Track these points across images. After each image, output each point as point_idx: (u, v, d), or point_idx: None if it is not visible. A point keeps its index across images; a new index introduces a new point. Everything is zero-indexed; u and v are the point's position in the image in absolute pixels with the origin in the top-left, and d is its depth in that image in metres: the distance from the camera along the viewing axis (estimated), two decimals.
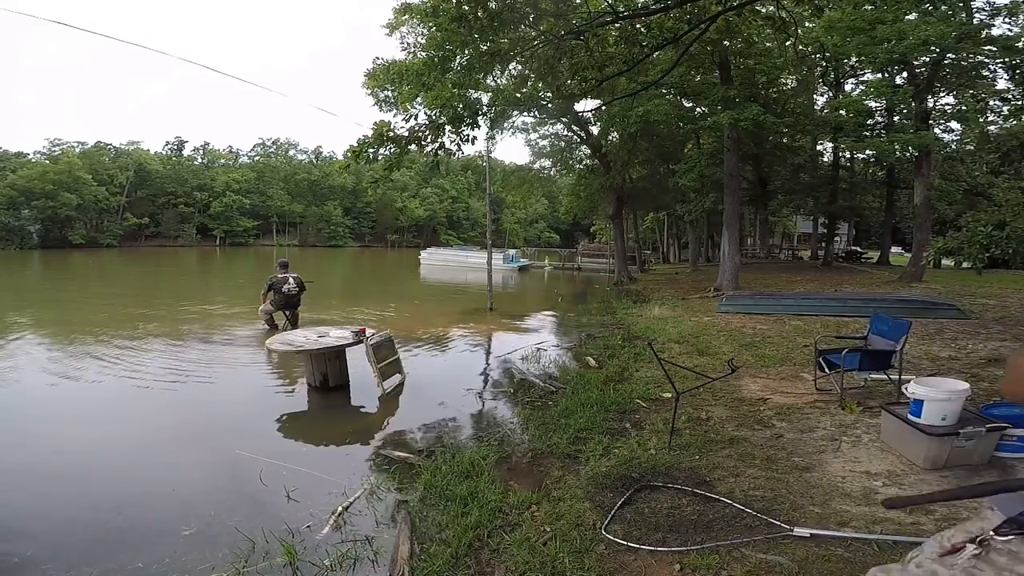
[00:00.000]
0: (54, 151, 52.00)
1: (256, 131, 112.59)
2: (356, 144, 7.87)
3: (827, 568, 2.50)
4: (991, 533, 0.92)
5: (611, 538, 2.89)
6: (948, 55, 16.18)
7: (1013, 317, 9.79)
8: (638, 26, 7.81)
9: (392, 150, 7.95)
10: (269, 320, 9.50)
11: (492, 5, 7.05)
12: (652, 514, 3.12)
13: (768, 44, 16.38)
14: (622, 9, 7.56)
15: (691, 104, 17.81)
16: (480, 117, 8.32)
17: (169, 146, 62.99)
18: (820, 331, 7.86)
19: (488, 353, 8.65)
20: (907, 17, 14.52)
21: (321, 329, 6.80)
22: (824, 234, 28.24)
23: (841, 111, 20.03)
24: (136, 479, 3.95)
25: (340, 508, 3.44)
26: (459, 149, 8.11)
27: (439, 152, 8.00)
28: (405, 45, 14.05)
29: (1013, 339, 7.70)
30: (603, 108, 16.40)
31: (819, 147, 25.55)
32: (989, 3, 15.63)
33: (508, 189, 29.46)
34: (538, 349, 8.32)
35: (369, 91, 17.23)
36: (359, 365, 6.25)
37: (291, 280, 9.34)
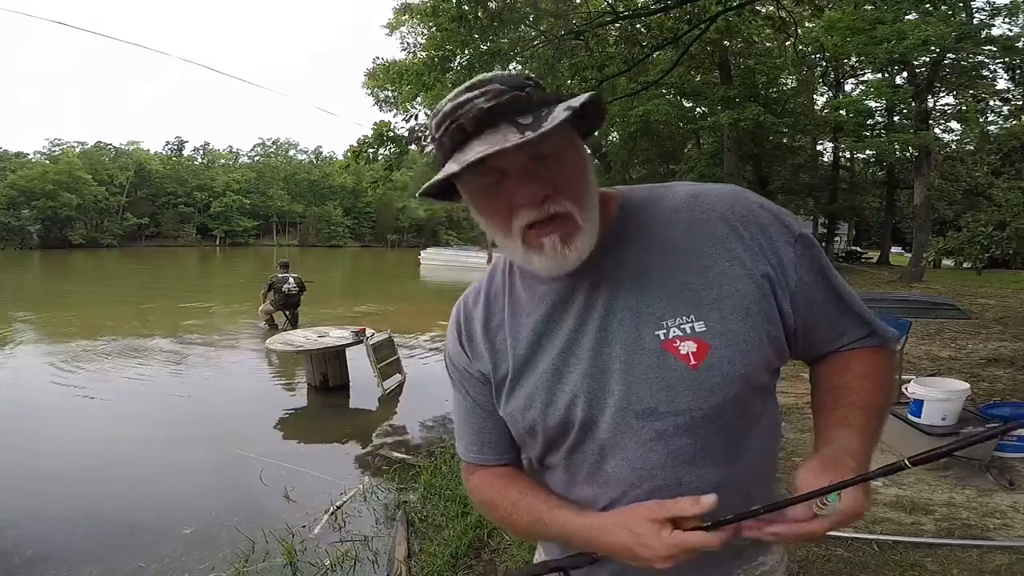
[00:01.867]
0: (54, 151, 51.94)
1: (256, 131, 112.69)
2: (356, 144, 7.87)
3: (827, 568, 2.50)
4: None
5: None
6: (948, 55, 16.19)
7: (1013, 317, 9.79)
8: (638, 26, 7.82)
9: (392, 150, 7.95)
10: (269, 320, 9.51)
11: (492, 5, 7.05)
12: None
13: (768, 44, 16.39)
14: (622, 9, 7.56)
15: (691, 104, 17.81)
16: None
17: (169, 146, 62.92)
18: None
19: None
20: (907, 17, 14.53)
21: (321, 329, 6.80)
22: (824, 234, 28.24)
23: (841, 111, 20.05)
24: (136, 479, 3.95)
25: (333, 507, 3.44)
26: None
27: None
28: (405, 45, 14.09)
29: (1013, 339, 7.70)
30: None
31: (819, 147, 25.60)
32: (989, 3, 15.66)
33: None
34: None
35: (369, 91, 17.28)
36: (359, 365, 6.25)
37: (291, 280, 9.35)
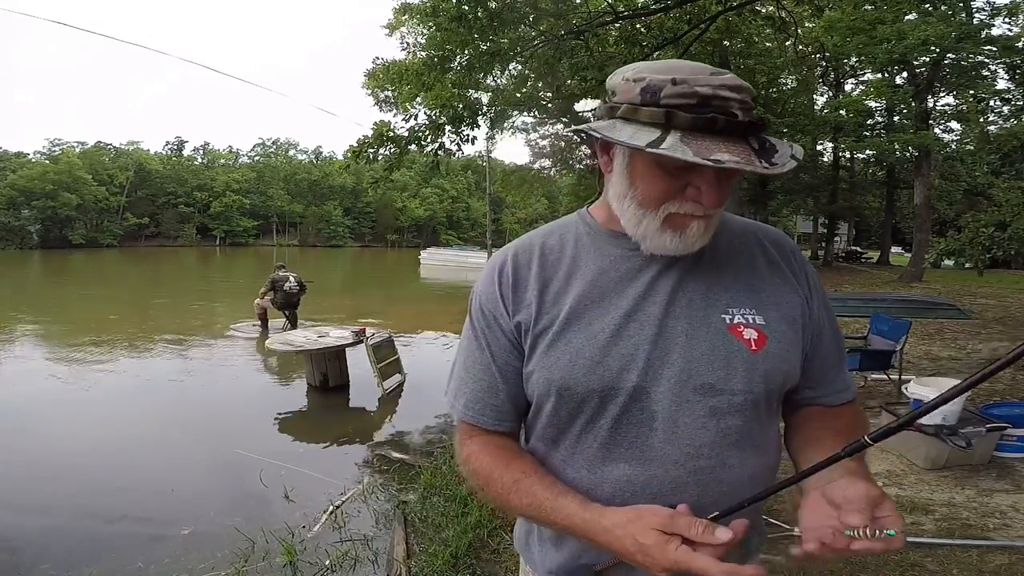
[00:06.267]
0: (54, 151, 51.91)
1: (256, 131, 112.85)
2: (356, 144, 7.87)
3: (827, 568, 2.50)
4: None
5: None
6: (948, 55, 16.17)
7: (1013, 317, 9.79)
8: (638, 26, 7.81)
9: (392, 150, 7.94)
10: (263, 315, 9.50)
11: (492, 5, 7.04)
12: None
13: (768, 44, 16.38)
14: (622, 9, 7.54)
15: None
16: (480, 117, 8.31)
17: (169, 146, 62.90)
18: None
19: None
20: (907, 17, 14.51)
21: (321, 329, 6.80)
22: (824, 234, 28.24)
23: (841, 111, 20.04)
24: (136, 479, 3.95)
25: (332, 507, 3.45)
26: (459, 149, 8.10)
27: (439, 152, 7.99)
28: (405, 45, 14.01)
29: (1013, 339, 7.70)
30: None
31: (819, 147, 25.55)
32: (989, 3, 15.65)
33: (508, 189, 29.50)
34: None
35: (369, 91, 17.21)
36: (359, 365, 6.25)
37: (292, 279, 9.37)
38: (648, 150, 0.67)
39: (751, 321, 0.79)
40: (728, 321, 0.79)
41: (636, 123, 0.70)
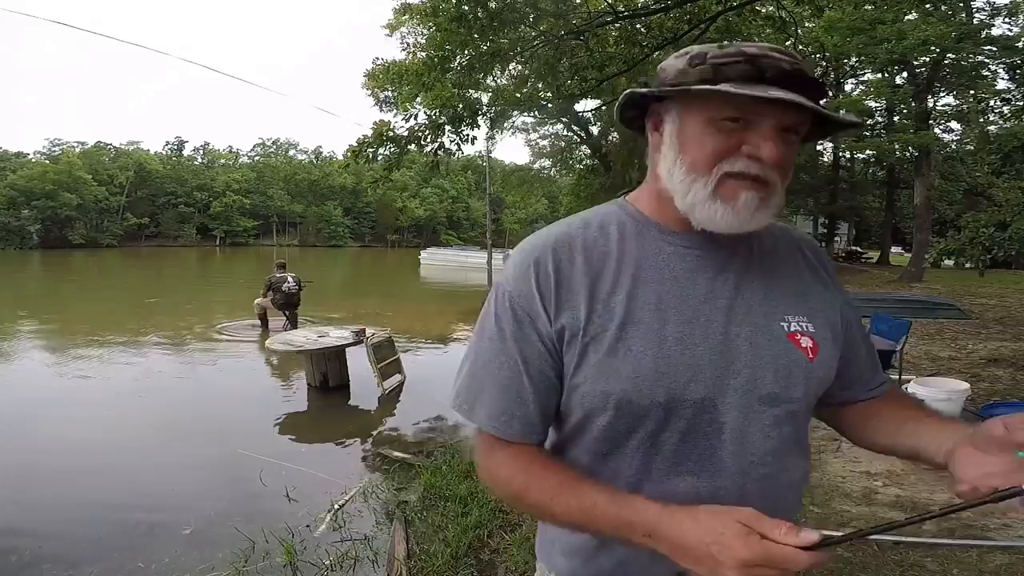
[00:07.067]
0: (54, 151, 51.89)
1: (256, 131, 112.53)
2: (356, 144, 7.88)
3: (827, 568, 2.50)
4: None
5: None
6: (948, 55, 16.18)
7: (1013, 317, 9.79)
8: (638, 26, 7.81)
9: (392, 150, 7.95)
10: (262, 315, 9.51)
11: (492, 5, 7.04)
12: None
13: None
14: (622, 9, 7.55)
15: None
16: (480, 117, 8.32)
17: (169, 146, 62.79)
18: None
19: None
20: (907, 17, 14.51)
21: (321, 329, 6.80)
22: (824, 234, 28.24)
23: (841, 111, 20.00)
24: (136, 479, 3.95)
25: (336, 506, 3.45)
26: (459, 149, 8.12)
27: (439, 152, 8.00)
28: (405, 45, 14.04)
29: (1013, 339, 7.70)
30: (603, 108, 16.39)
31: (819, 147, 25.55)
32: (989, 3, 15.64)
33: (508, 189, 29.50)
34: None
35: (369, 91, 17.23)
36: (359, 365, 6.25)
37: (290, 279, 9.37)
38: (698, 87, 0.68)
39: (805, 329, 0.79)
40: (786, 329, 0.78)
41: (686, 86, 0.71)
